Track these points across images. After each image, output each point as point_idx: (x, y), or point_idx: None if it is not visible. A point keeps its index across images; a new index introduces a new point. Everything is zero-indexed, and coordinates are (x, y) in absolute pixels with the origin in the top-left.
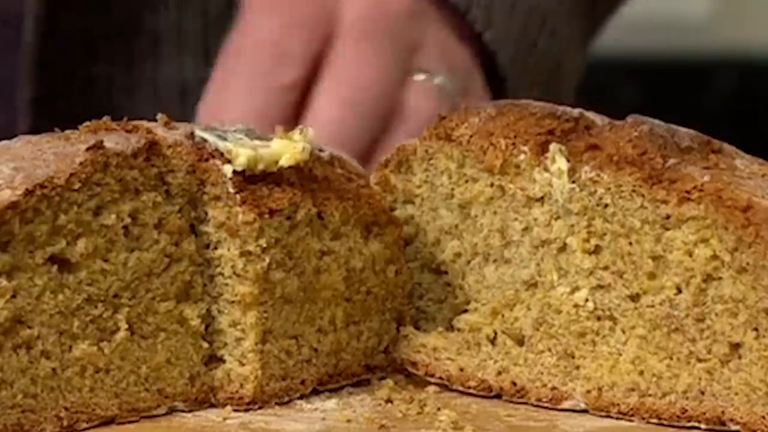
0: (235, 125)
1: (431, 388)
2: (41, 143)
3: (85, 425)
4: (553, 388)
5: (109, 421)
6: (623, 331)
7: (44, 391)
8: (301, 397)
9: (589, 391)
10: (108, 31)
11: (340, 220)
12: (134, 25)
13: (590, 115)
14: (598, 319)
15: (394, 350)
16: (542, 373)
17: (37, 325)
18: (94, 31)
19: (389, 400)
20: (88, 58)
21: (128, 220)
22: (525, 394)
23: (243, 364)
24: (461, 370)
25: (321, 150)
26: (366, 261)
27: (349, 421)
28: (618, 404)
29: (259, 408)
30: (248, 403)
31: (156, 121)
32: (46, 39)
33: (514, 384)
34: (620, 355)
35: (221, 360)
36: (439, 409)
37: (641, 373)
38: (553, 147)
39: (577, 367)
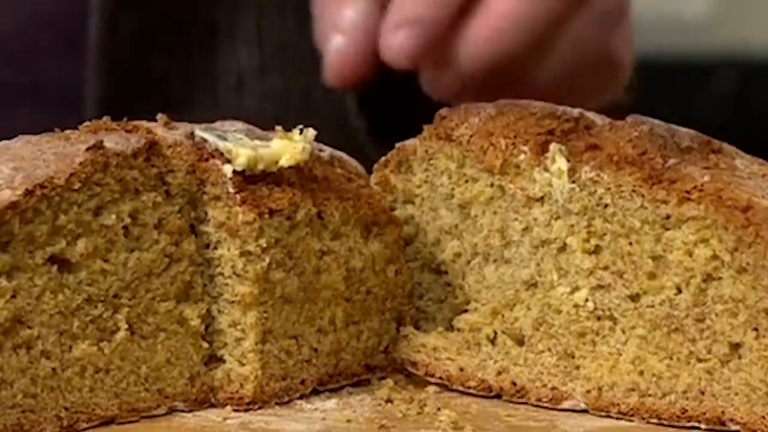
0: (235, 125)
1: (431, 388)
2: (41, 143)
3: (85, 425)
4: (553, 388)
5: (109, 421)
6: (623, 331)
7: (44, 391)
8: (301, 397)
9: (589, 391)
10: (166, 23)
11: (340, 220)
12: (190, 17)
13: (590, 115)
14: (598, 319)
15: (394, 350)
16: (542, 373)
17: (37, 325)
18: (153, 25)
19: (389, 400)
20: (147, 51)
21: (128, 220)
22: (525, 394)
23: (243, 364)
24: (461, 370)
25: (321, 150)
26: (366, 261)
27: (349, 421)
28: (618, 404)
29: (259, 408)
30: (248, 403)
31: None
32: (110, 35)
33: (514, 384)
34: (620, 355)
35: (221, 360)
36: (439, 409)
37: (641, 373)
38: (553, 147)
39: (577, 367)
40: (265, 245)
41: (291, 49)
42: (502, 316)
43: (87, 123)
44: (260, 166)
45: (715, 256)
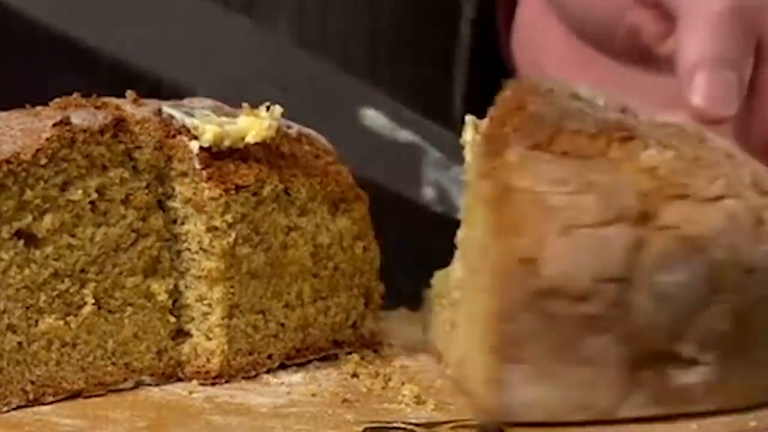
0: (203, 102)
1: (397, 363)
2: (10, 119)
3: (51, 399)
4: None
5: (75, 395)
6: None
7: (10, 364)
8: (268, 372)
9: None
10: None
11: (307, 196)
12: None
13: None
14: None
15: (362, 325)
16: None
17: (3, 299)
18: None
19: (355, 375)
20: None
21: (95, 196)
22: None
23: (210, 339)
24: None
25: (289, 127)
26: (333, 237)
27: (313, 395)
28: None
29: (226, 382)
30: (215, 378)
31: None
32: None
33: None
34: None
35: (188, 334)
36: (403, 383)
37: None
38: None
39: None
40: (231, 221)
41: None
42: None
43: (57, 99)
44: (227, 143)
45: None
